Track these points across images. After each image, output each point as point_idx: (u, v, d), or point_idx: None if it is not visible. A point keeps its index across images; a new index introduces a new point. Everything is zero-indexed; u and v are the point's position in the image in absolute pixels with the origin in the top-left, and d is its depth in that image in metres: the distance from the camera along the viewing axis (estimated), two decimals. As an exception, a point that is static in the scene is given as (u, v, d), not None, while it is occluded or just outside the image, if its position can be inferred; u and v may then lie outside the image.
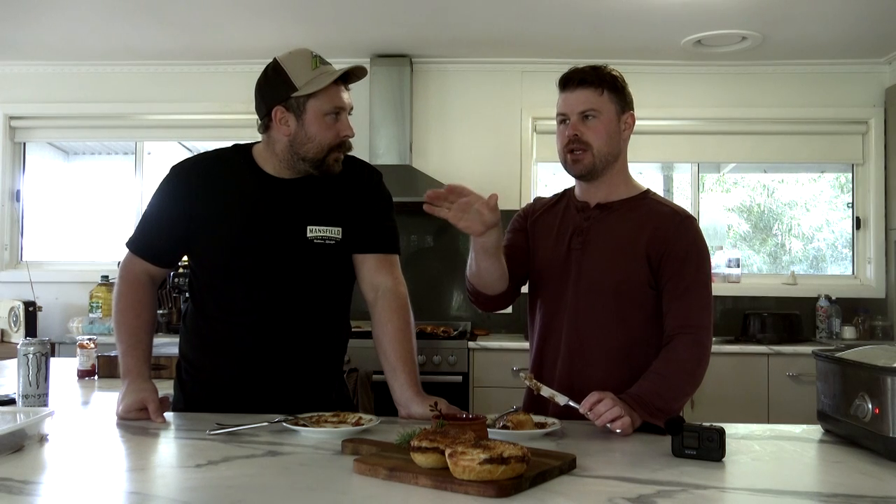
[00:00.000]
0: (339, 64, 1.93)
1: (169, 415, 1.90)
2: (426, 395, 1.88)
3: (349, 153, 2.00)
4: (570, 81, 1.91)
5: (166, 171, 2.03)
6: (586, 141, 1.87)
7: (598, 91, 1.89)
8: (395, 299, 1.98)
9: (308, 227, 1.93)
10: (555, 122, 1.98)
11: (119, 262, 2.09)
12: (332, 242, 1.95)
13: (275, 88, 1.88)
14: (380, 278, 2.00)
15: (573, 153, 1.89)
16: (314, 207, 1.95)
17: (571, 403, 1.71)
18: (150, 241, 2.01)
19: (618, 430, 1.65)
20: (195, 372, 2.03)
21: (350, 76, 1.91)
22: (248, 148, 2.01)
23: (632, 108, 1.95)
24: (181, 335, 2.08)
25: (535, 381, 1.79)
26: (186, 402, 2.02)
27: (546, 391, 1.76)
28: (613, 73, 1.94)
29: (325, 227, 1.94)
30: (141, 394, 1.83)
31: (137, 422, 1.81)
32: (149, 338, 1.99)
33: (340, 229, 1.96)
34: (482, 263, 1.86)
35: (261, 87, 1.93)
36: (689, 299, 1.85)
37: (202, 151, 2.08)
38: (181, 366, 2.07)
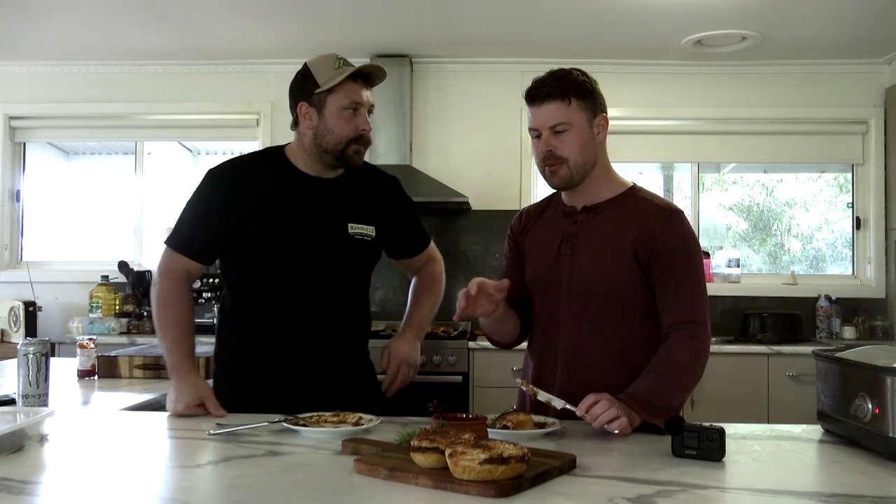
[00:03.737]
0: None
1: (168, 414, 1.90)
2: (416, 343, 2.19)
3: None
4: (535, 97, 1.86)
5: (202, 176, 2.11)
6: (560, 155, 1.86)
7: (564, 102, 1.84)
8: (431, 276, 2.32)
9: (349, 225, 2.09)
10: None
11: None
12: (368, 239, 2.12)
13: (301, 87, 2.04)
14: (423, 266, 2.32)
15: (549, 167, 1.88)
16: (352, 206, 2.11)
17: (568, 406, 1.71)
18: (192, 239, 2.07)
19: (616, 431, 1.65)
20: (238, 363, 2.09)
21: (372, 77, 2.06)
22: (280, 149, 2.14)
23: (604, 110, 1.91)
24: (221, 329, 2.15)
25: (531, 386, 1.80)
26: (232, 392, 2.06)
27: (543, 396, 1.76)
28: (579, 77, 1.88)
29: (362, 225, 2.11)
30: (199, 390, 1.92)
31: (186, 418, 1.86)
32: (192, 334, 2.06)
33: (374, 228, 2.13)
34: (497, 326, 2.00)
35: (291, 88, 2.08)
36: (683, 295, 1.84)
37: (235, 156, 2.19)
38: (222, 359, 2.14)
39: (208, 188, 2.07)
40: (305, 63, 2.05)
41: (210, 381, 2.14)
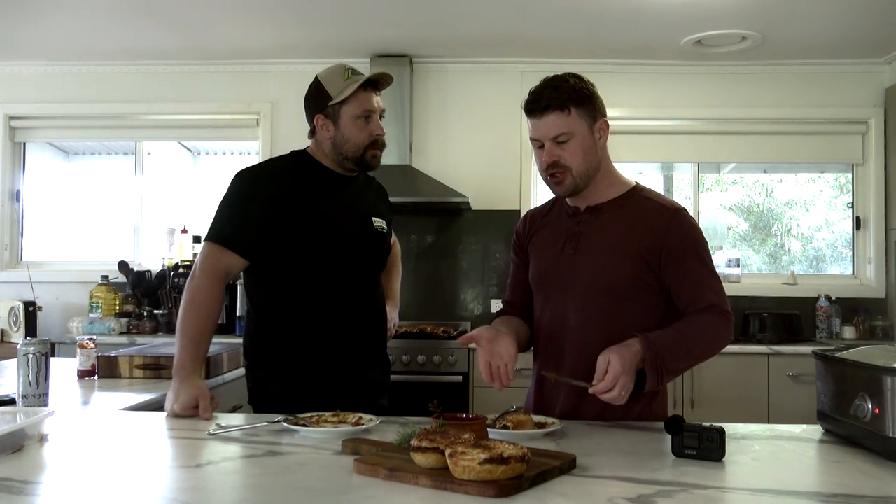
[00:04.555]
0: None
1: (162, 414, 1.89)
2: (396, 305, 2.46)
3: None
4: (535, 109, 1.86)
5: (232, 177, 2.16)
6: (564, 164, 1.86)
7: (564, 112, 1.84)
8: (396, 254, 2.54)
9: (373, 218, 2.25)
10: None
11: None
12: (384, 231, 2.29)
13: (315, 100, 2.15)
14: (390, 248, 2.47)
15: (554, 176, 1.89)
16: (370, 202, 2.28)
17: (584, 385, 1.75)
18: (239, 234, 2.09)
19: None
20: (288, 359, 2.14)
21: (380, 83, 2.17)
22: (303, 152, 2.23)
23: (604, 114, 1.90)
24: (260, 329, 2.19)
25: (552, 373, 1.85)
26: (284, 385, 2.12)
27: (563, 380, 1.83)
28: (577, 84, 1.87)
29: (380, 219, 2.28)
30: (198, 391, 1.93)
31: (186, 419, 1.87)
32: (210, 337, 2.08)
33: (385, 223, 2.30)
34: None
35: (306, 100, 2.19)
36: (704, 289, 1.86)
37: (263, 160, 2.28)
38: (263, 359, 2.17)
39: (247, 186, 2.12)
40: (317, 76, 2.15)
41: (210, 381, 2.14)
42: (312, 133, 2.20)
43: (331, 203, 2.15)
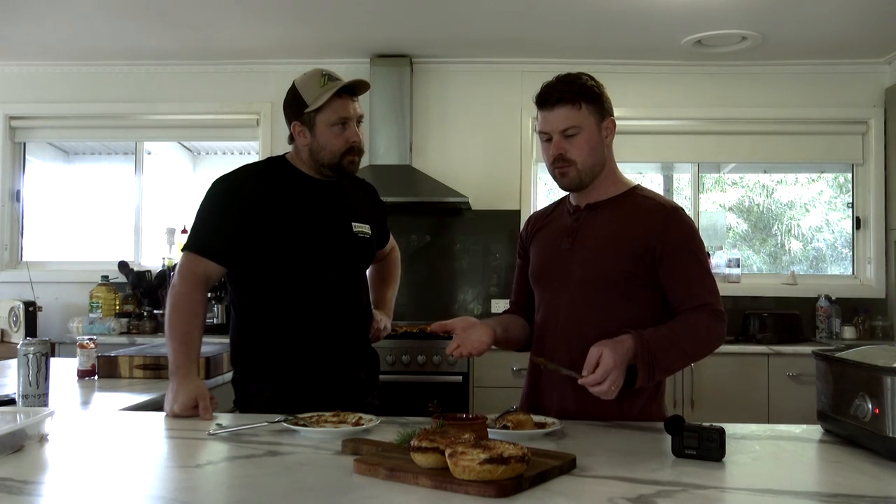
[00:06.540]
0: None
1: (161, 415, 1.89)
2: (389, 315, 2.43)
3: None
4: (547, 101, 1.91)
5: (209, 185, 2.17)
6: (570, 158, 1.90)
7: (575, 107, 1.88)
8: (394, 260, 2.57)
9: (352, 224, 2.22)
10: None
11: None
12: (367, 237, 2.26)
13: (292, 107, 2.15)
14: (387, 254, 2.53)
15: (559, 169, 1.92)
16: (351, 207, 2.24)
17: (573, 374, 1.75)
18: (214, 242, 2.10)
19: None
20: (271, 364, 2.15)
21: (356, 89, 2.15)
22: (282, 158, 2.24)
23: (611, 113, 1.95)
24: (241, 334, 2.19)
25: (542, 359, 1.87)
26: (273, 390, 2.12)
27: (552, 366, 1.83)
28: (588, 82, 1.93)
29: (362, 224, 2.25)
30: (197, 391, 1.94)
31: (186, 419, 1.87)
32: (200, 338, 2.09)
33: (369, 226, 2.27)
34: (505, 347, 2.08)
35: (284, 107, 2.19)
36: (698, 287, 1.87)
37: (239, 167, 2.24)
38: (248, 365, 2.18)
39: (223, 193, 2.14)
40: (293, 83, 2.16)
41: (209, 381, 2.15)
42: (291, 139, 2.20)
43: (305, 208, 2.14)
